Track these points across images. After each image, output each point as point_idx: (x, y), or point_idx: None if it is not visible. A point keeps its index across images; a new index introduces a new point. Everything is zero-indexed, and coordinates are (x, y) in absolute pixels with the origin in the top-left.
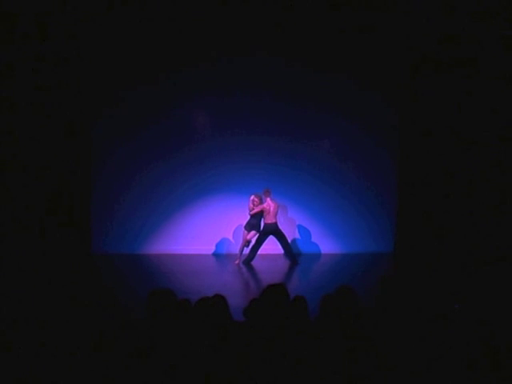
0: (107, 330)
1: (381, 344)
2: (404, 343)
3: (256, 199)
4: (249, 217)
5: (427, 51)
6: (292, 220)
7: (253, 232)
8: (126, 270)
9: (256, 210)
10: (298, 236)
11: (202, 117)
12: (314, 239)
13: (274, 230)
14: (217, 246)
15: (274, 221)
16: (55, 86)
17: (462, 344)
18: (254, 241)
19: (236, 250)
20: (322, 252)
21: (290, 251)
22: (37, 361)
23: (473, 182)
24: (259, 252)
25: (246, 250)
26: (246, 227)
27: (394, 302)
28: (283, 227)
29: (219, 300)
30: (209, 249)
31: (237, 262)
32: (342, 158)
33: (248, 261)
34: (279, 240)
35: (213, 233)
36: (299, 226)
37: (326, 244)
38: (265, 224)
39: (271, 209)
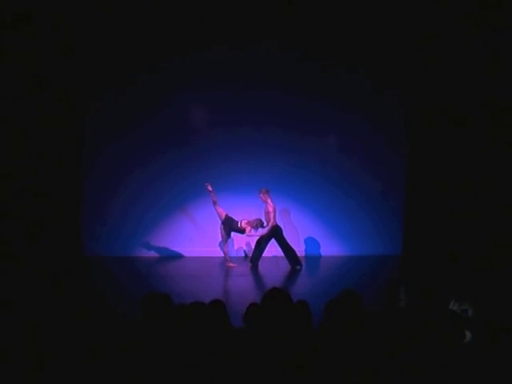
0: (99, 336)
1: (388, 351)
2: (412, 350)
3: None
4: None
5: (437, 46)
6: (295, 220)
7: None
8: (119, 274)
9: (272, 214)
10: (300, 237)
11: (199, 112)
12: (317, 241)
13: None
14: (215, 248)
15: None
16: (43, 81)
17: (472, 349)
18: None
19: (236, 252)
20: (327, 254)
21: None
22: (28, 366)
23: (485, 182)
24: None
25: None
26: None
27: (401, 307)
28: (285, 228)
29: (218, 306)
30: (207, 251)
31: (231, 264)
32: (348, 156)
33: (257, 262)
34: (267, 243)
35: (211, 234)
36: (302, 227)
37: (330, 246)
38: (276, 226)
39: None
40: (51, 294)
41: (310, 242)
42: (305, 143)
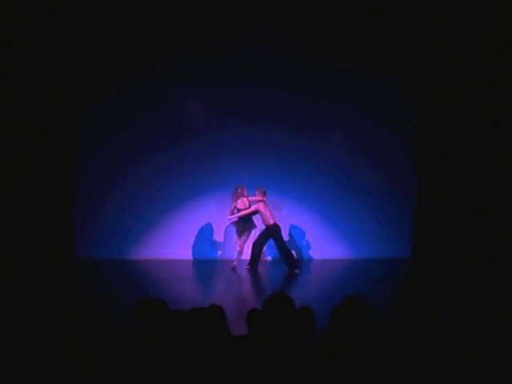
0: (91, 343)
1: (396, 360)
2: (421, 359)
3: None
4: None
5: (446, 41)
6: (300, 222)
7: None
8: (111, 277)
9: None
10: (305, 239)
11: (196, 108)
12: (323, 243)
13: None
14: (213, 250)
15: None
16: (32, 78)
17: (483, 358)
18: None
19: (232, 255)
20: (333, 257)
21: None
22: (16, 373)
23: (498, 183)
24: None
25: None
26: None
27: (410, 313)
28: (289, 230)
29: (216, 311)
30: (204, 254)
31: (235, 263)
32: (355, 154)
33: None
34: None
35: (208, 236)
36: (307, 229)
37: (336, 248)
38: (274, 225)
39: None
40: (40, 299)
41: (315, 244)
42: (310, 142)
